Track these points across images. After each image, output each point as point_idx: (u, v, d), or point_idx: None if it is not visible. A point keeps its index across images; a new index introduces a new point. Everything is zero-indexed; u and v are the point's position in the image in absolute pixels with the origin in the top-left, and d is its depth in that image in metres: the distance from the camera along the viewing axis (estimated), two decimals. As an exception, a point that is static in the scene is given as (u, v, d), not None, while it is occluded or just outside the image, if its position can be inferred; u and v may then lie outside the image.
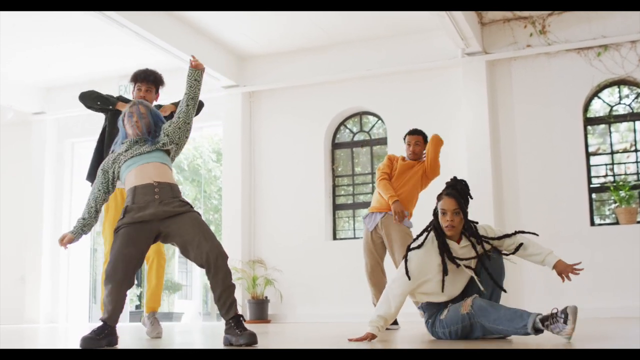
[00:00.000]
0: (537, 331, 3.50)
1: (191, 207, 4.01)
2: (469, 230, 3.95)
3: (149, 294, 5.28)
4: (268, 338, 4.81)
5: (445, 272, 3.86)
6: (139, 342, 4.59)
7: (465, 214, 3.95)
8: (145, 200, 3.94)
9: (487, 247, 3.98)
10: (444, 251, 3.90)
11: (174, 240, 3.97)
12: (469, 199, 4.02)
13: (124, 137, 4.28)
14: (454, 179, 4.06)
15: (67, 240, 4.01)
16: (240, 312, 3.93)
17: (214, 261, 3.82)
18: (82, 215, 4.11)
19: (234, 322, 3.82)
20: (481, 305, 3.72)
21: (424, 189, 6.36)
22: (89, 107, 5.32)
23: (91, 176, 5.36)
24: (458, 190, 3.96)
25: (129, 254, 3.88)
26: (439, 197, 4.00)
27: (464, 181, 4.06)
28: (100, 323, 3.92)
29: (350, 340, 4.01)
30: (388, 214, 6.13)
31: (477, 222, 4.08)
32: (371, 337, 3.90)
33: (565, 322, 3.42)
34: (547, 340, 3.60)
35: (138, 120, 4.22)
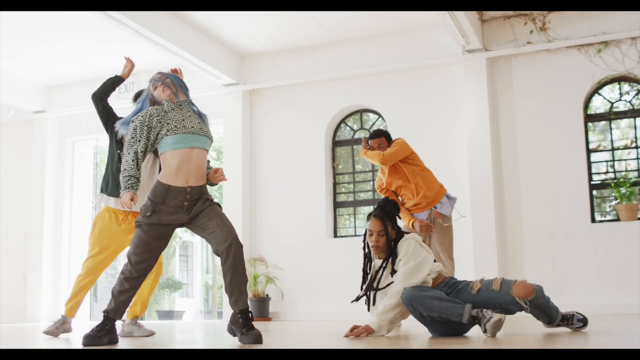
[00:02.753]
0: (469, 318, 3.80)
1: (212, 201, 4.02)
2: (389, 252, 4.16)
3: (145, 300, 5.30)
4: (269, 336, 4.82)
5: (362, 287, 4.26)
6: (139, 342, 4.59)
7: (389, 234, 4.17)
8: (174, 204, 3.90)
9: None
10: (364, 267, 4.27)
11: (194, 231, 4.02)
12: (397, 219, 4.24)
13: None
14: (385, 200, 4.28)
15: (135, 199, 3.92)
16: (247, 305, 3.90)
17: (227, 248, 3.82)
18: (130, 173, 3.92)
19: (242, 317, 3.82)
20: (409, 294, 3.92)
21: (417, 166, 6.07)
22: (99, 98, 5.37)
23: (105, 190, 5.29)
24: (386, 212, 4.21)
25: (157, 247, 3.94)
26: (368, 217, 4.23)
27: (394, 202, 4.27)
28: (102, 318, 3.93)
29: (346, 336, 4.09)
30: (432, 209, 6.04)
31: (403, 237, 4.21)
32: (367, 330, 4.02)
33: (484, 332, 3.75)
34: (547, 340, 3.61)
35: (172, 82, 4.15)
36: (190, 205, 3.93)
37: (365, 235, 4.28)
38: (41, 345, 4.45)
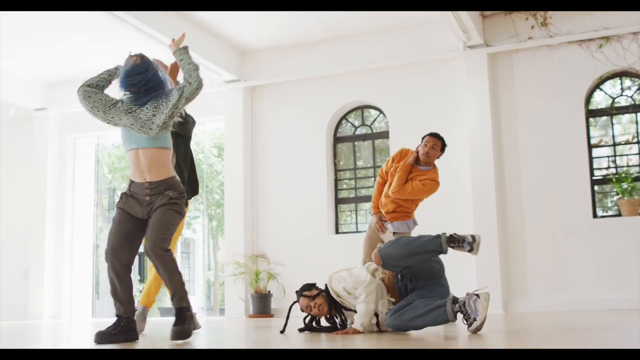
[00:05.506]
0: (455, 314, 3.95)
1: (170, 200, 3.98)
2: (330, 301, 4.44)
3: (144, 289, 5.34)
4: (270, 333, 4.82)
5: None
6: (140, 341, 4.58)
7: (317, 295, 4.45)
8: (138, 194, 4.02)
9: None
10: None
11: None
12: (318, 289, 4.52)
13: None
14: (296, 292, 4.57)
15: None
16: (185, 304, 3.96)
17: (149, 257, 3.93)
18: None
19: (176, 314, 3.92)
20: (393, 324, 4.12)
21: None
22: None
23: None
24: (303, 289, 4.53)
25: (126, 230, 3.99)
26: (298, 300, 4.54)
27: (303, 285, 4.58)
28: (115, 317, 3.95)
29: (336, 334, 4.26)
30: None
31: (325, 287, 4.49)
32: (354, 331, 4.22)
33: (474, 319, 3.86)
34: (547, 339, 3.61)
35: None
36: (153, 199, 3.99)
37: (305, 320, 4.58)
38: (44, 344, 4.45)
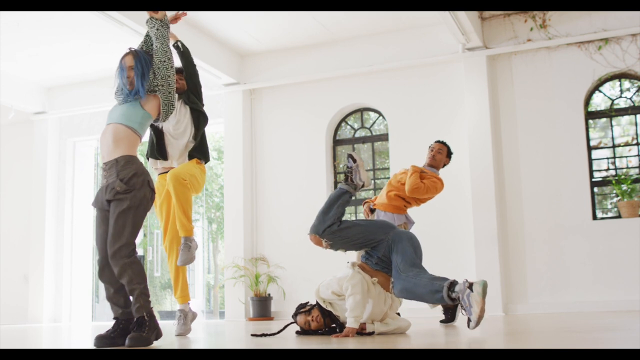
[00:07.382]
0: (453, 300, 4.07)
1: (116, 195, 3.89)
2: (323, 312, 4.55)
3: (177, 223, 5.27)
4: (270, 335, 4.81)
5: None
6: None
7: (312, 309, 4.59)
8: (103, 182, 4.00)
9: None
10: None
11: None
12: (310, 305, 4.65)
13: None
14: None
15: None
16: (145, 312, 3.88)
17: (110, 261, 3.87)
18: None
19: (135, 321, 3.87)
20: (400, 289, 4.32)
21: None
22: None
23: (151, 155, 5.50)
24: (299, 309, 4.67)
25: (103, 231, 3.98)
26: (296, 317, 4.68)
27: (296, 307, 4.72)
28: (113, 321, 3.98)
29: (335, 336, 4.24)
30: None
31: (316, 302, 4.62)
32: (350, 331, 4.24)
33: (469, 318, 3.94)
34: (547, 340, 3.61)
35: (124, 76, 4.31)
36: (109, 182, 3.92)
37: (300, 329, 4.64)
38: (44, 347, 4.45)
